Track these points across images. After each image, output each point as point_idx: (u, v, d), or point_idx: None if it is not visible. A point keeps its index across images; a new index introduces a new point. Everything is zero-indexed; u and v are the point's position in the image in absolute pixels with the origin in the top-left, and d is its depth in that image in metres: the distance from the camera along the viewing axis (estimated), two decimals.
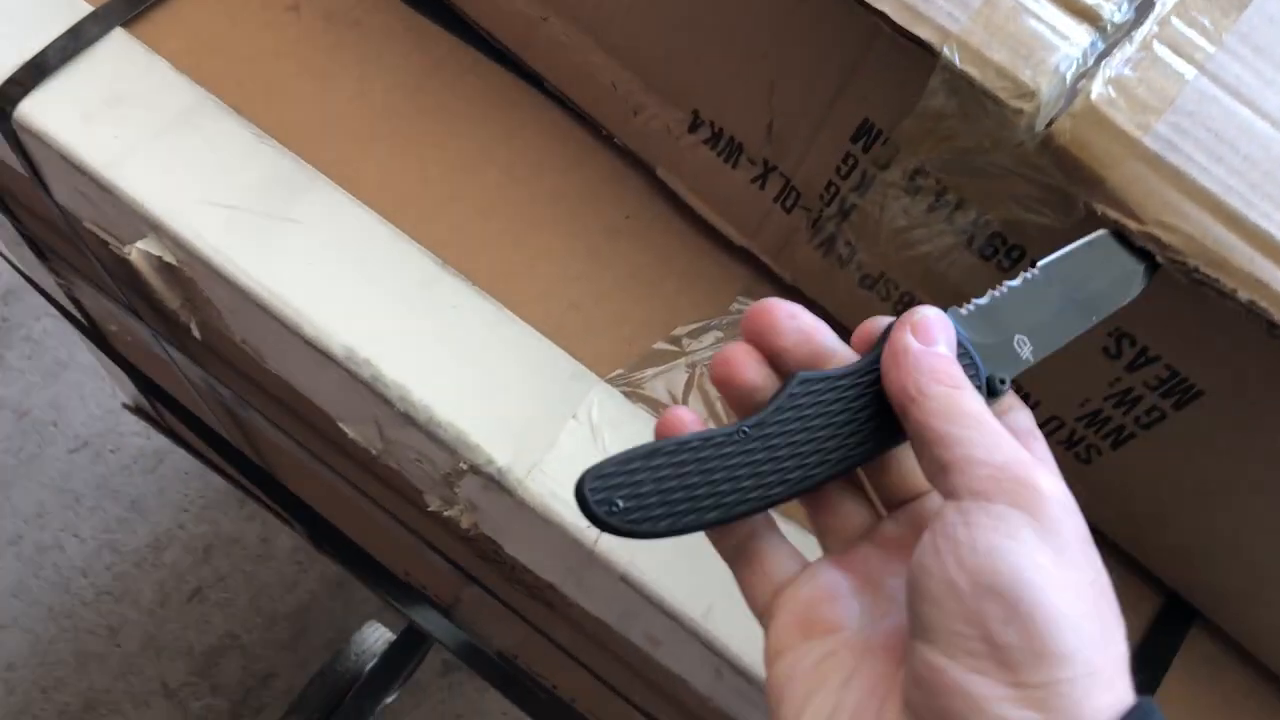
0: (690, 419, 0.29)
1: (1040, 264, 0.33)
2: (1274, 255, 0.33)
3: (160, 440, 1.37)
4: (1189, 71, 0.35)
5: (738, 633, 0.43)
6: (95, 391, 1.40)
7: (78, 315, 0.82)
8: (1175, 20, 0.36)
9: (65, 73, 0.47)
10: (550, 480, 0.44)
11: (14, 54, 0.47)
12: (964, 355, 0.29)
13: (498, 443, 0.44)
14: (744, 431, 0.28)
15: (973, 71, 0.34)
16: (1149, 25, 0.36)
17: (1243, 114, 0.35)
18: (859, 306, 0.45)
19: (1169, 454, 0.40)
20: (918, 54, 0.35)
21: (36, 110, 0.47)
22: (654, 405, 0.46)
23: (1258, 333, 0.33)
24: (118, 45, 0.48)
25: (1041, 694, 0.22)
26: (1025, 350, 0.31)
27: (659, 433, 0.30)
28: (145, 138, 0.47)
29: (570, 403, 0.45)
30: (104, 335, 0.87)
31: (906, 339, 0.28)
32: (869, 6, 0.35)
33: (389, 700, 1.16)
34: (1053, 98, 0.34)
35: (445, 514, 0.48)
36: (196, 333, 0.51)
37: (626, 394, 0.46)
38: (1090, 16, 0.35)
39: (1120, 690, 0.24)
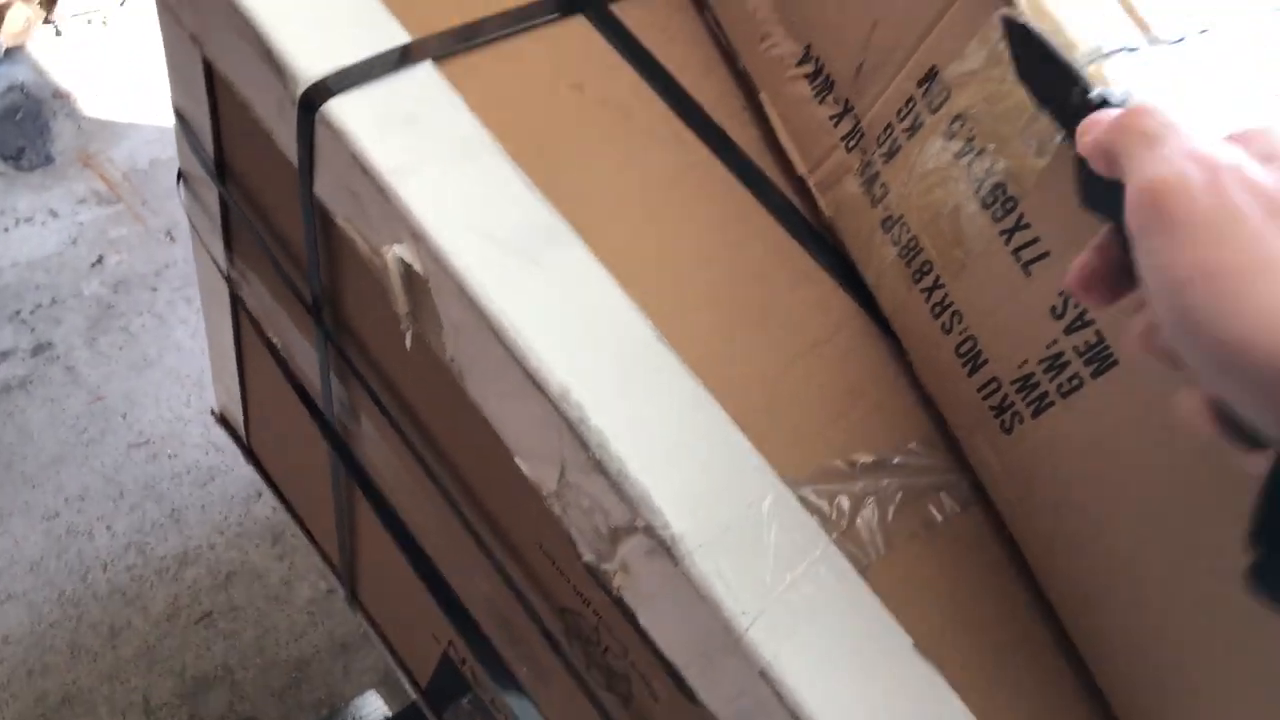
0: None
1: None
2: None
3: (217, 459, 1.39)
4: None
5: None
6: (170, 397, 1.43)
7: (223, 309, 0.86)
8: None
9: (374, 85, 0.53)
10: (718, 559, 0.46)
11: (338, 57, 0.53)
12: None
13: (678, 510, 0.46)
14: None
15: (1036, 23, 0.40)
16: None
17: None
18: (874, 250, 0.52)
19: (1077, 429, 0.44)
20: (991, 5, 0.41)
21: (341, 110, 0.52)
22: (823, 517, 0.48)
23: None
24: (425, 75, 0.54)
25: None
26: None
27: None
28: (430, 158, 0.51)
29: (750, 494, 0.47)
30: (241, 336, 0.90)
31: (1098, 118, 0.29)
32: None
33: None
34: (1089, 55, 0.39)
35: (602, 566, 0.49)
36: (408, 343, 0.54)
37: (800, 499, 0.48)
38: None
39: None
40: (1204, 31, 0.43)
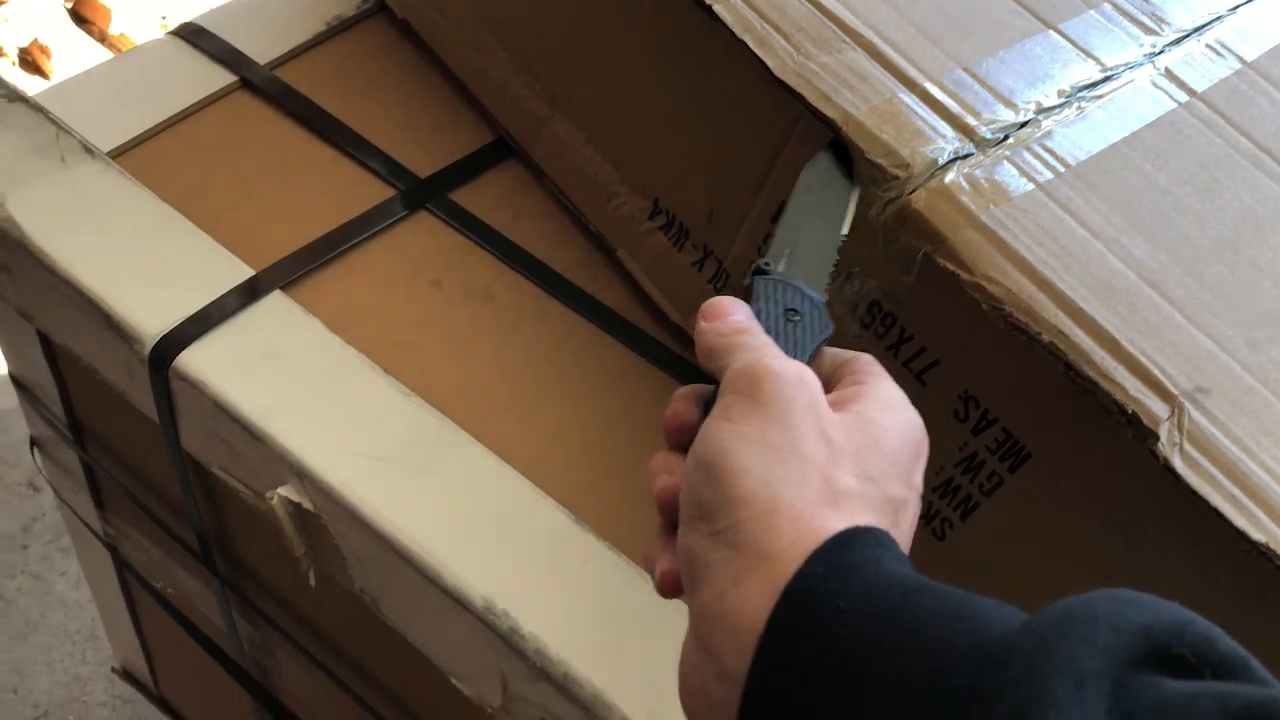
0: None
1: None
2: (1073, 314, 0.40)
3: (127, 712, 1.29)
4: (1027, 186, 0.43)
5: None
6: (64, 657, 1.33)
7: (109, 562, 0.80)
8: (1026, 154, 0.44)
9: (225, 328, 0.50)
10: None
11: (180, 309, 0.50)
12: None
13: (634, 705, 0.44)
14: None
15: (862, 144, 0.42)
16: (1004, 150, 0.44)
17: (1066, 220, 0.42)
18: None
19: (1011, 522, 0.44)
20: (825, 137, 0.42)
21: (196, 361, 0.49)
22: None
23: (1059, 379, 0.39)
24: (276, 306, 0.52)
25: (729, 534, 0.27)
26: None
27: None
28: (298, 391, 0.49)
29: None
30: (129, 588, 0.84)
31: (700, 325, 0.32)
32: (792, 90, 0.43)
33: None
34: (922, 175, 0.42)
35: None
36: (313, 581, 0.51)
37: None
38: (965, 129, 0.44)
39: (820, 521, 0.27)
40: (1024, 125, 0.45)
